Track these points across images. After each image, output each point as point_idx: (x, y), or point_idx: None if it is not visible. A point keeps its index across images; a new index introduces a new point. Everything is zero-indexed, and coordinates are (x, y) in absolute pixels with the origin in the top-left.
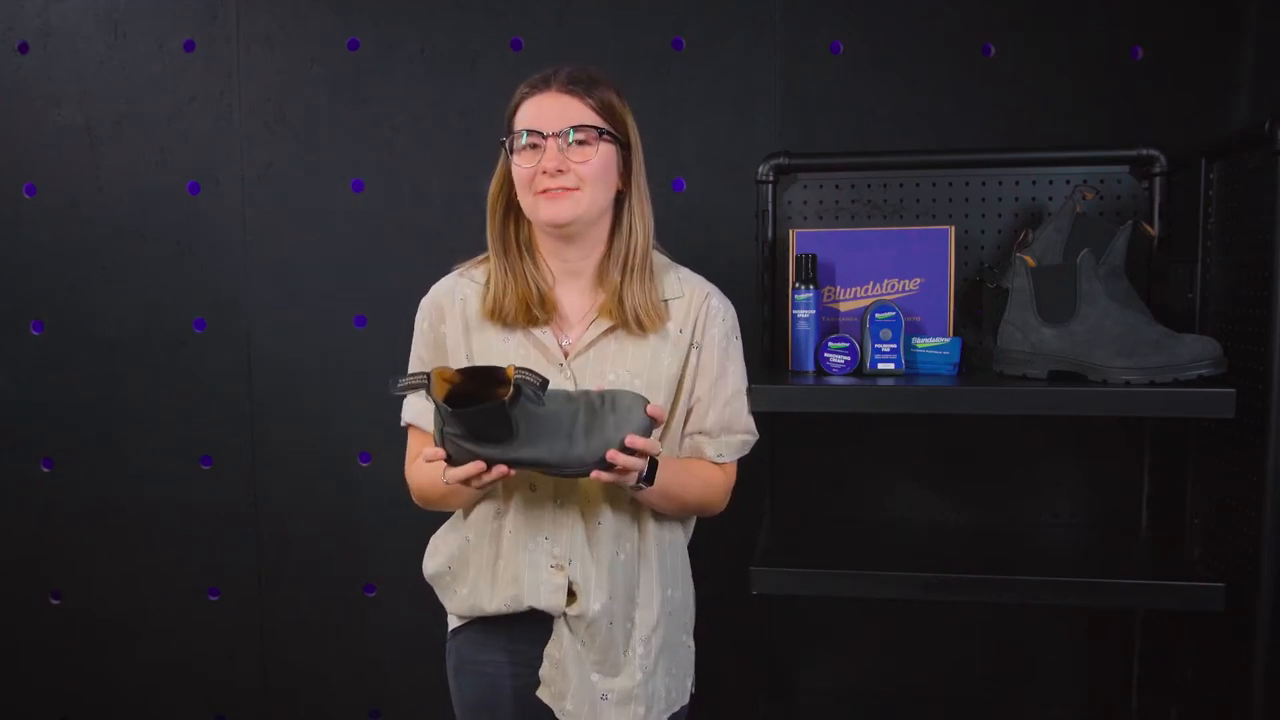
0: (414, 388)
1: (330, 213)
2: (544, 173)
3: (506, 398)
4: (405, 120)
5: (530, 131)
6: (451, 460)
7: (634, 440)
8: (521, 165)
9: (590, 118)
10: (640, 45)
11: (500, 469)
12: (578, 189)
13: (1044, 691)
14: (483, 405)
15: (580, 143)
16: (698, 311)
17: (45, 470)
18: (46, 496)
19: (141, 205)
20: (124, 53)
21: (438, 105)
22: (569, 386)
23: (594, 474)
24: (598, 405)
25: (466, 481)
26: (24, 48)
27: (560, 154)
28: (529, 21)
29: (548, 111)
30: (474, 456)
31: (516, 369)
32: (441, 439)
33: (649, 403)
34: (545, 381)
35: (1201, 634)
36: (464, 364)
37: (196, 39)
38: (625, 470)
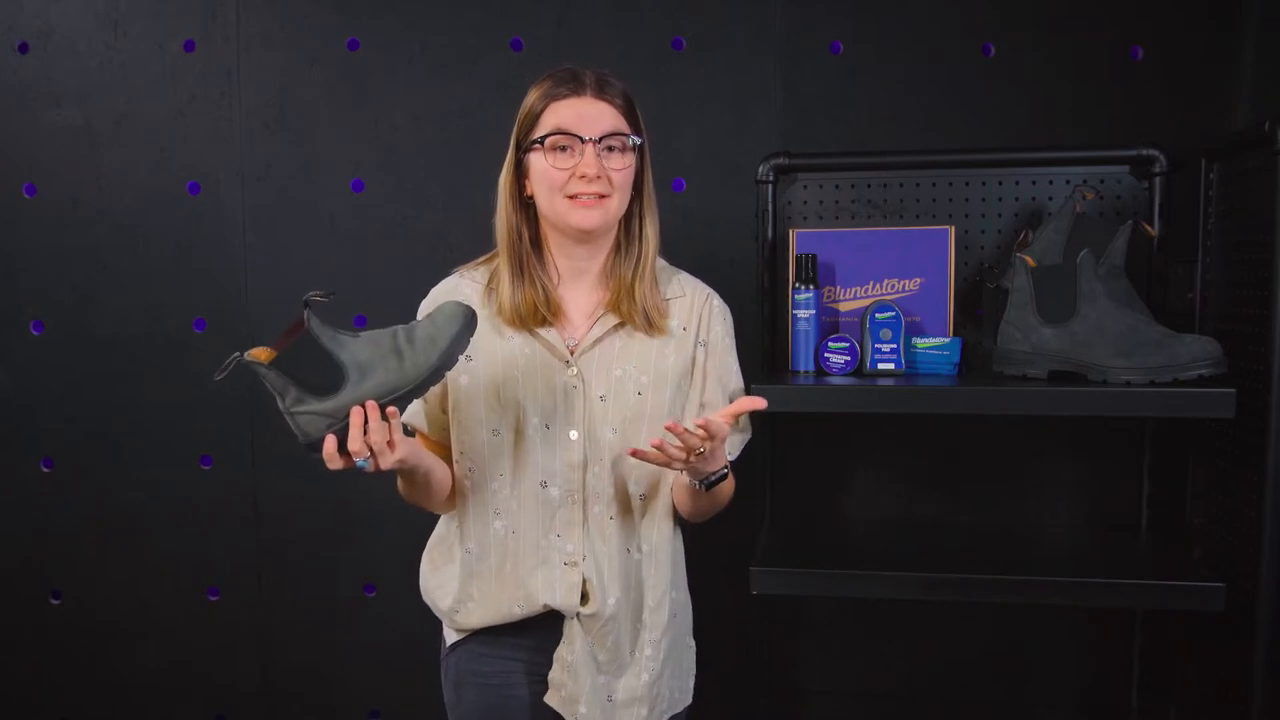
0: (227, 368)
1: (330, 213)
2: (581, 177)
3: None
4: (405, 120)
5: (567, 134)
6: (311, 440)
7: (726, 413)
8: (555, 167)
9: (624, 125)
10: (640, 45)
11: (364, 417)
12: (609, 196)
13: (1044, 691)
14: (289, 338)
15: (616, 150)
16: (700, 310)
17: (45, 470)
18: (46, 496)
19: (141, 205)
20: (124, 53)
21: (438, 105)
22: (576, 384)
23: (681, 459)
24: (413, 325)
25: (375, 467)
26: (24, 48)
27: (597, 160)
28: (529, 21)
29: (586, 116)
30: (329, 423)
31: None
32: (295, 425)
33: (471, 310)
34: (331, 293)
35: (1201, 634)
36: (463, 363)
37: (196, 39)
38: (695, 451)
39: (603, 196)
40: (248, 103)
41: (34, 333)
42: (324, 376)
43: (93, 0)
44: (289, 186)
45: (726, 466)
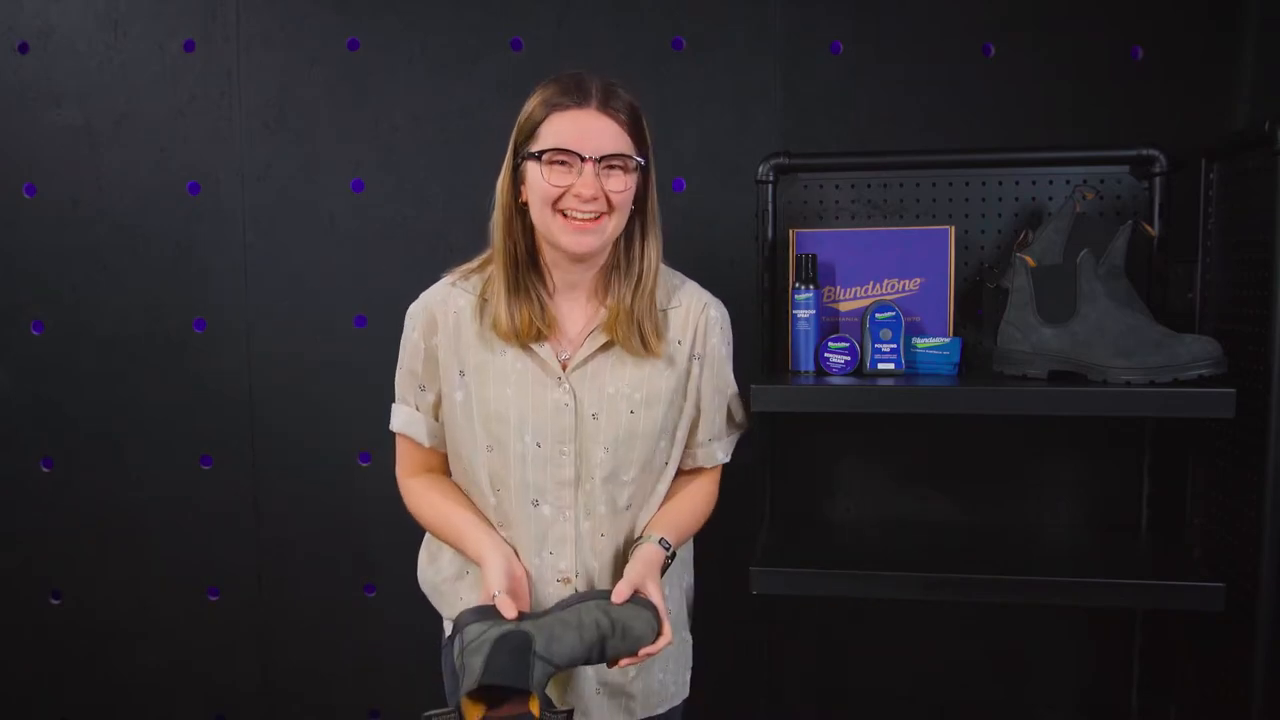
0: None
1: (330, 213)
2: (577, 196)
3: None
4: (405, 120)
5: (566, 151)
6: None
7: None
8: (551, 183)
9: (627, 145)
10: (640, 45)
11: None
12: (605, 215)
13: (1044, 691)
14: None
15: (618, 170)
16: (696, 322)
17: (45, 470)
18: (46, 496)
19: (141, 205)
20: (124, 53)
21: (438, 105)
22: (568, 401)
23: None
24: (607, 632)
25: None
26: (24, 48)
27: (596, 179)
28: (529, 21)
29: (588, 132)
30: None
31: (542, 706)
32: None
33: (658, 616)
34: (569, 712)
35: (1201, 634)
36: (456, 379)
37: (196, 39)
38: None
39: (598, 217)
40: (248, 103)
41: (34, 333)
42: None
43: (93, 0)
44: (289, 186)
45: (669, 555)
